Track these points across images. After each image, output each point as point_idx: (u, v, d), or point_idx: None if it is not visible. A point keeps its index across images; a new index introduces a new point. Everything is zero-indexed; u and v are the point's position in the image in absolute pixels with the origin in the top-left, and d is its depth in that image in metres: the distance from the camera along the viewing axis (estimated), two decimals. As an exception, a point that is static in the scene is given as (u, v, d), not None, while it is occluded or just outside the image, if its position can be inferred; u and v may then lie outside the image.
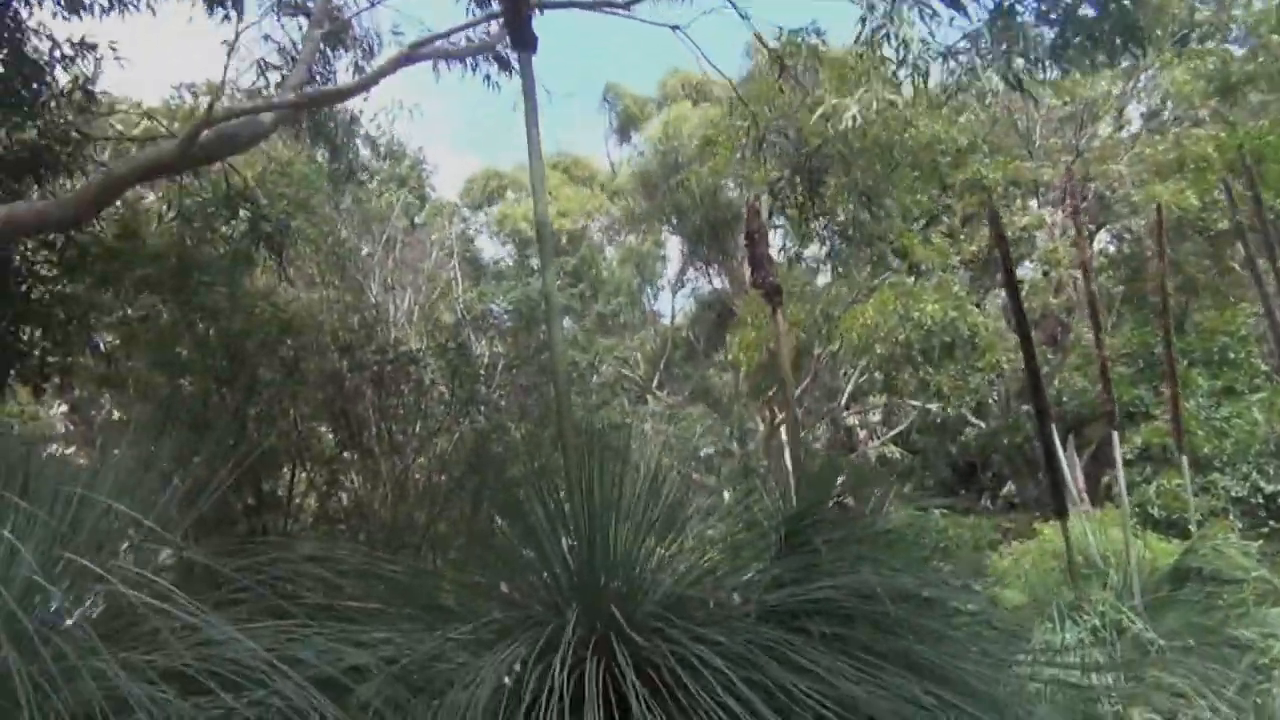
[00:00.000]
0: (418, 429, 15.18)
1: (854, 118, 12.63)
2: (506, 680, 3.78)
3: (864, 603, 3.99)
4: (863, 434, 27.23)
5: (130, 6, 10.60)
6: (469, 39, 11.81)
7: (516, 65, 12.39)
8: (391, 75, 9.83)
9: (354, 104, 13.31)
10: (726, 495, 5.61)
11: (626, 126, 31.82)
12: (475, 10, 12.05)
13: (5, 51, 9.39)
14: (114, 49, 10.62)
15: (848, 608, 4.00)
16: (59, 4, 10.26)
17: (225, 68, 8.27)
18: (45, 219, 8.17)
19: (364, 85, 9.54)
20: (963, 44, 9.53)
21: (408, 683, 3.79)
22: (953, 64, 9.64)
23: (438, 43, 10.28)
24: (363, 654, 3.65)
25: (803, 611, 4.02)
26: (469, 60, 12.67)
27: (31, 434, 15.12)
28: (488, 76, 12.88)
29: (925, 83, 9.57)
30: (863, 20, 9.31)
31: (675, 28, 11.58)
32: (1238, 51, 22.51)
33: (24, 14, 9.87)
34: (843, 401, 25.21)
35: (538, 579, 4.47)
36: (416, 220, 17.72)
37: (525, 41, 7.64)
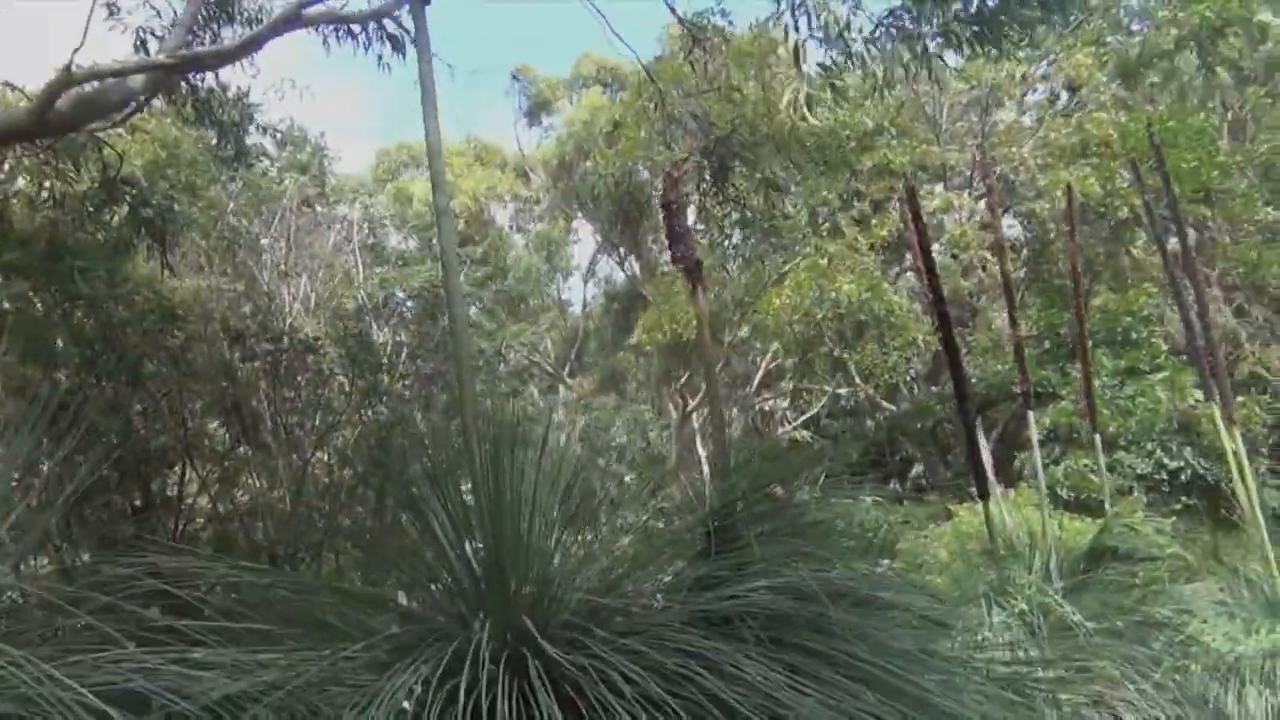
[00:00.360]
0: (316, 422, 14.56)
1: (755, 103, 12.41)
2: (406, 705, 3.37)
3: (801, 604, 3.65)
4: (774, 419, 27.26)
5: None
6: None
7: (411, 40, 12.06)
8: (278, 37, 9.16)
9: (241, 81, 12.56)
10: (629, 480, 5.25)
11: (537, 110, 31.26)
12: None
13: None
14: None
15: (784, 609, 3.67)
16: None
17: (88, 20, 7.56)
18: None
19: (246, 46, 8.89)
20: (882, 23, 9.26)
21: (292, 711, 3.35)
22: (871, 48, 9.40)
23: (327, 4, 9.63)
24: (239, 680, 3.21)
25: (735, 615, 3.67)
26: (362, 36, 12.01)
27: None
28: (380, 57, 12.20)
29: (841, 68, 9.32)
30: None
31: (588, -1, 11.14)
32: (1136, 30, 23.03)
33: None
34: (753, 388, 25.13)
35: (441, 587, 4.04)
36: (314, 202, 16.92)
37: None
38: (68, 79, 7.45)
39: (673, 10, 10.75)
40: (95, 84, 8.55)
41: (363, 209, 20.76)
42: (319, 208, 18.16)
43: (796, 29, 9.15)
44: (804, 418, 25.35)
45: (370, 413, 14.40)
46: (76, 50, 7.65)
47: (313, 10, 9.19)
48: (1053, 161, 20.79)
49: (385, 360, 14.37)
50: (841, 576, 3.91)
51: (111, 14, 11.33)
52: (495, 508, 3.85)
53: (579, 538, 4.49)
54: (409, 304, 15.42)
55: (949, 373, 9.46)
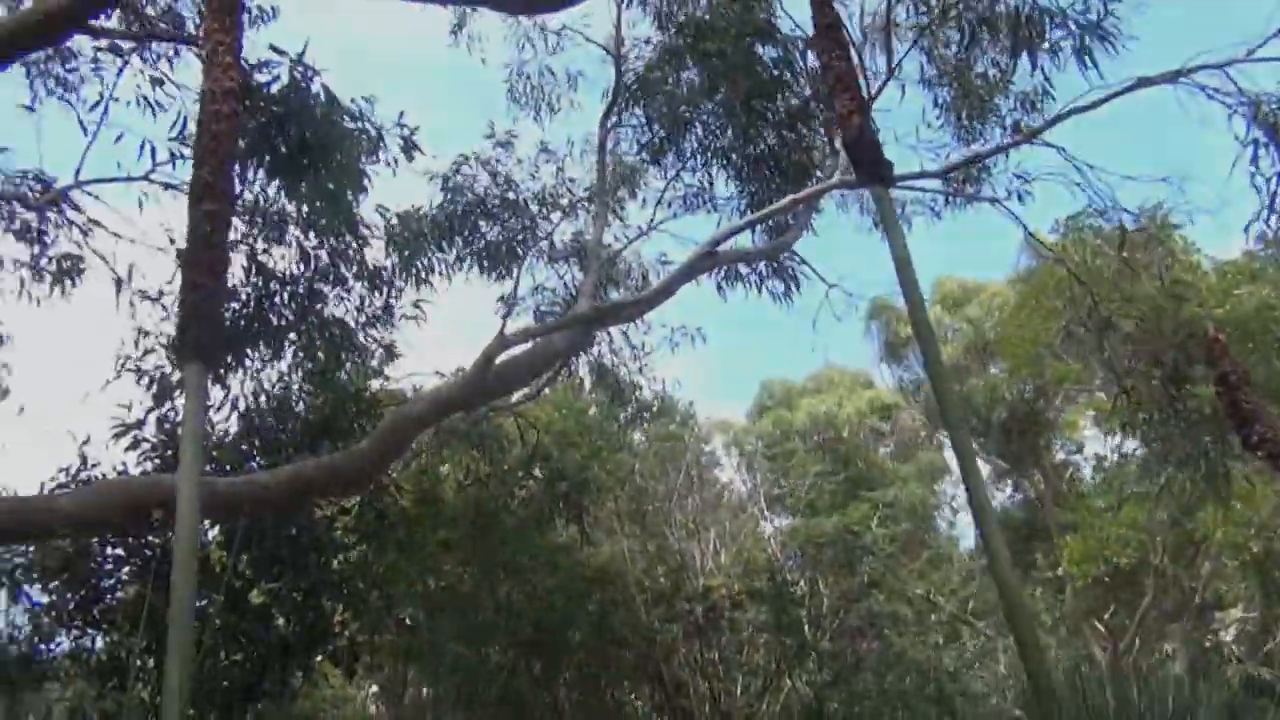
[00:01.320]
0: (739, 687, 13.42)
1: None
2: None
3: None
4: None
5: (424, 283, 10.48)
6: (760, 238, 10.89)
7: (799, 269, 11.58)
8: (686, 283, 8.90)
9: (638, 336, 12.59)
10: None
11: (897, 348, 30.25)
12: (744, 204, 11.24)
13: (305, 322, 9.34)
14: (419, 312, 10.45)
15: None
16: (362, 282, 10.16)
17: (504, 320, 7.51)
18: (336, 475, 7.67)
19: (662, 293, 8.72)
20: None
21: None
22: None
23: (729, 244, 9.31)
24: None
25: None
26: (753, 276, 11.66)
27: (343, 718, 14.51)
28: (772, 293, 11.72)
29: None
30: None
31: (995, 201, 10.19)
32: None
33: (325, 289, 9.83)
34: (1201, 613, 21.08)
35: None
36: (706, 450, 16.60)
37: (878, 172, 6.45)
38: (502, 342, 7.41)
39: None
40: (518, 351, 8.57)
41: (741, 454, 20.10)
42: (705, 451, 17.79)
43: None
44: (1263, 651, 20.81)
45: (800, 675, 13.06)
46: (506, 317, 7.74)
47: (723, 249, 8.87)
48: None
49: (806, 613, 13.09)
50: None
51: (505, 303, 11.77)
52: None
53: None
54: (823, 550, 14.18)
55: None
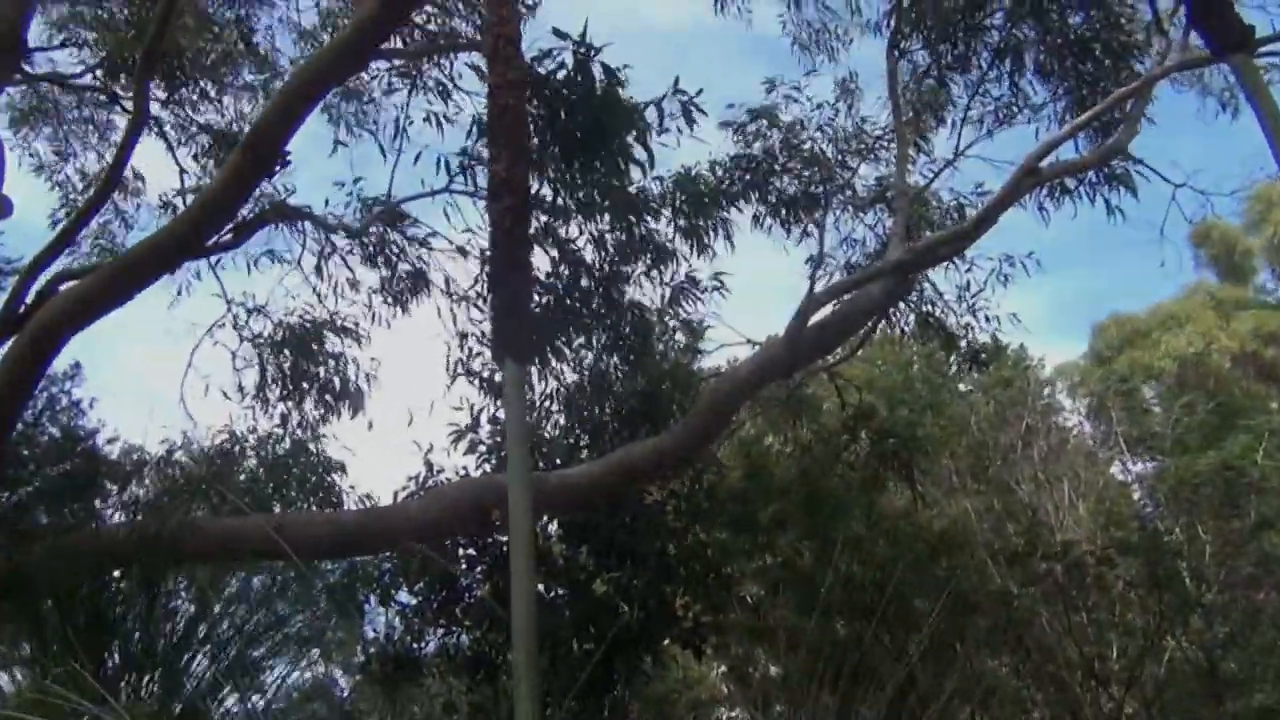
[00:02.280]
0: (1114, 650, 12.22)
1: None
2: None
3: None
4: None
5: (709, 250, 10.37)
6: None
7: (1133, 175, 10.28)
8: (1006, 210, 8.08)
9: (959, 276, 11.67)
10: None
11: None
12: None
13: (611, 306, 9.57)
14: (720, 284, 10.34)
15: None
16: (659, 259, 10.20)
17: (812, 278, 7.12)
18: (661, 457, 7.70)
19: (981, 223, 7.96)
20: None
21: None
22: None
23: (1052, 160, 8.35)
24: None
25: None
26: (1081, 189, 10.49)
27: (696, 699, 14.71)
28: (1108, 204, 10.47)
29: None
30: None
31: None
32: None
33: (626, 270, 9.94)
34: None
35: None
36: (1046, 395, 15.39)
37: (1235, 38, 5.48)
38: (814, 301, 7.04)
39: None
40: (832, 309, 8.19)
41: (1089, 394, 18.42)
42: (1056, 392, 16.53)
43: None
44: None
45: (1182, 635, 11.68)
46: (814, 275, 7.37)
47: (1045, 165, 7.98)
48: None
49: (1186, 564, 11.67)
50: None
51: (812, 261, 11.43)
52: None
53: None
54: (1199, 491, 12.61)
55: None
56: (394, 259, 11.23)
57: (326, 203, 10.80)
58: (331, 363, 11.54)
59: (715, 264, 10.39)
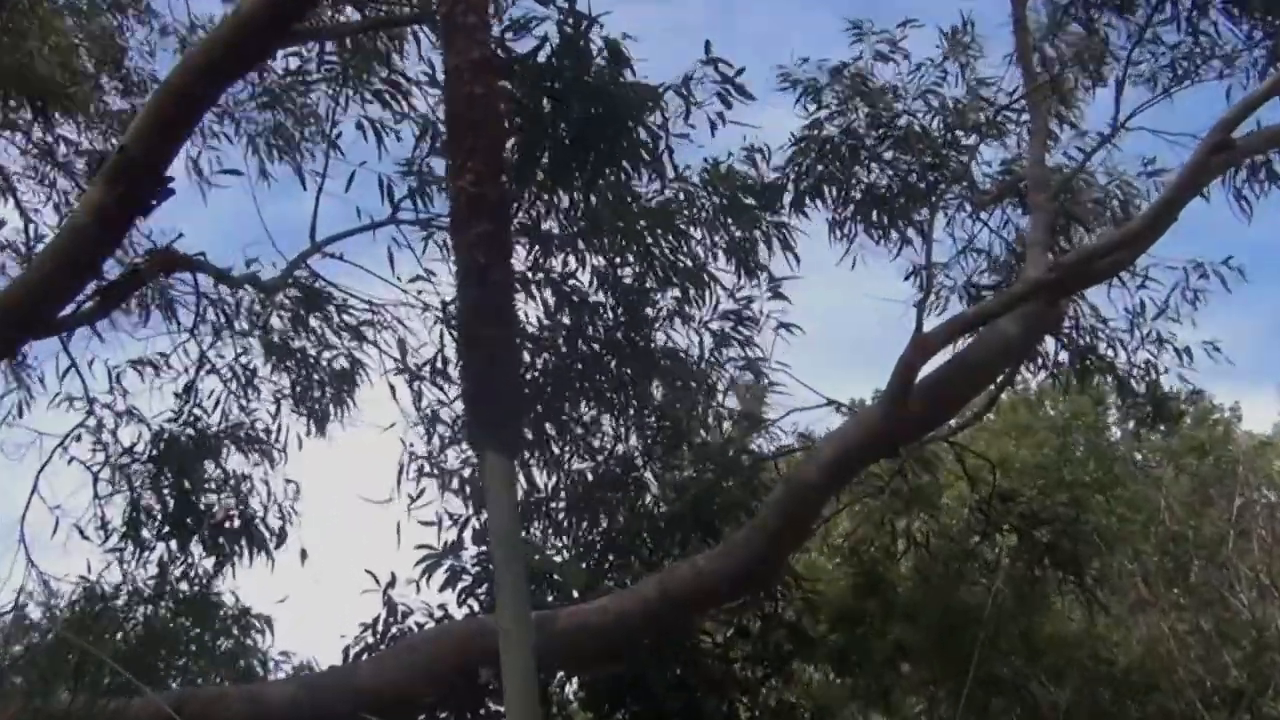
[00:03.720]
0: None
1: None
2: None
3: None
4: None
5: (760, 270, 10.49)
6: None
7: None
8: (1190, 199, 8.23)
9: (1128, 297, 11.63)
10: None
11: None
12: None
13: (622, 357, 9.73)
14: (786, 327, 10.50)
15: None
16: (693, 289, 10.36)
17: (919, 309, 7.28)
18: (720, 578, 7.68)
19: (1157, 218, 8.02)
20: None
21: None
22: None
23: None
24: None
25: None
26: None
27: None
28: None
29: None
30: None
31: None
32: None
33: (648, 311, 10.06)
34: None
35: None
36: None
37: None
38: (923, 347, 7.11)
39: None
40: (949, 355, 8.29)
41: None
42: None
43: None
44: None
45: None
46: (922, 305, 7.54)
47: (1241, 137, 8.10)
48: None
49: None
50: None
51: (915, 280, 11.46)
52: None
53: None
54: None
55: None
56: (319, 328, 11.32)
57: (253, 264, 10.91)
58: (237, 484, 11.57)
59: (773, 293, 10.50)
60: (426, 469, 10.35)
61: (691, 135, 9.35)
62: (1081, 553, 12.07)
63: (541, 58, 8.65)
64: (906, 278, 11.37)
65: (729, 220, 10.12)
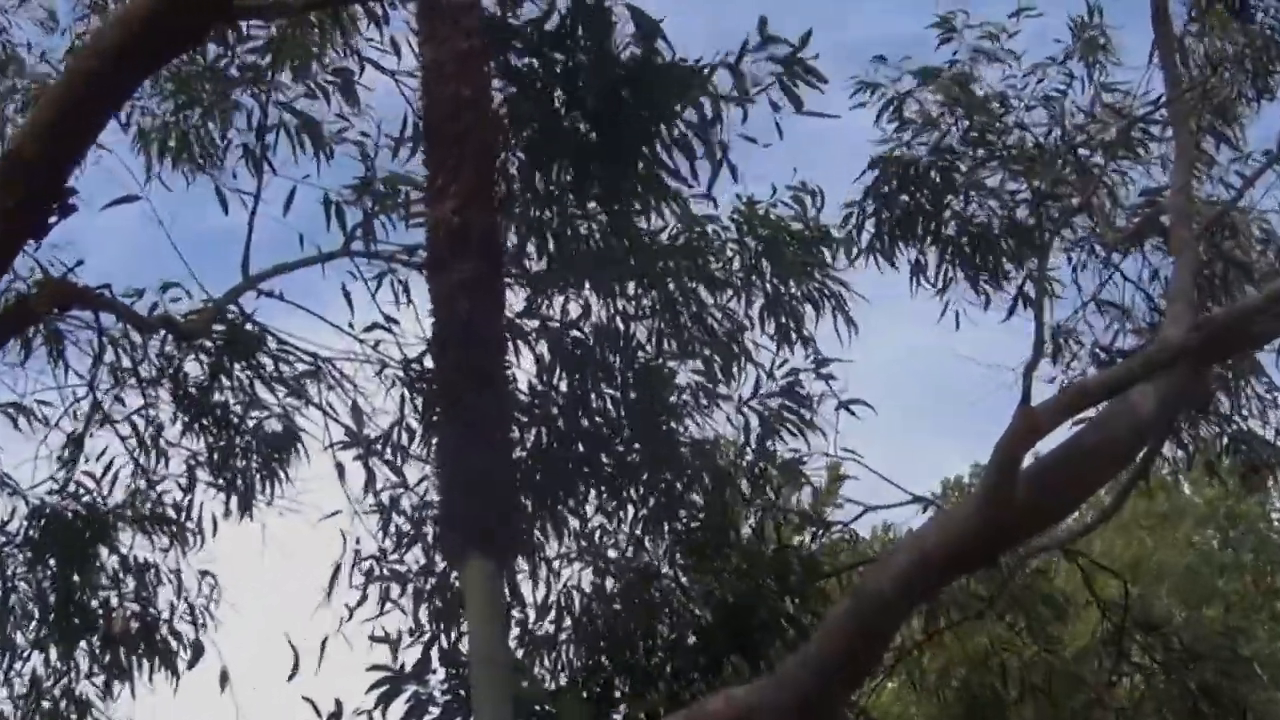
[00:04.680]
0: None
1: None
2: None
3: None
4: None
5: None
6: None
7: None
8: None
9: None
10: None
11: None
12: None
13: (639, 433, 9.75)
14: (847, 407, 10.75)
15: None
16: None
17: (1029, 372, 7.58)
18: (761, 717, 7.51)
19: None
20: None
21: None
22: None
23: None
24: None
25: None
26: None
27: None
28: None
29: None
30: None
31: None
32: None
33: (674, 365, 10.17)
34: None
35: None
36: None
37: None
38: (1031, 425, 7.08)
39: None
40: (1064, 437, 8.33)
41: None
42: None
43: None
44: None
45: None
46: (1030, 371, 7.57)
47: None
48: None
49: None
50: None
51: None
52: None
53: None
54: None
55: None
56: (246, 379, 11.34)
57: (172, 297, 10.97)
58: (139, 576, 11.49)
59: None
60: (377, 571, 10.36)
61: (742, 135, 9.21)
62: (1243, 693, 12.15)
63: (550, 28, 8.68)
64: (1006, 318, 11.56)
65: (768, 273, 10.29)
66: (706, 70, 8.93)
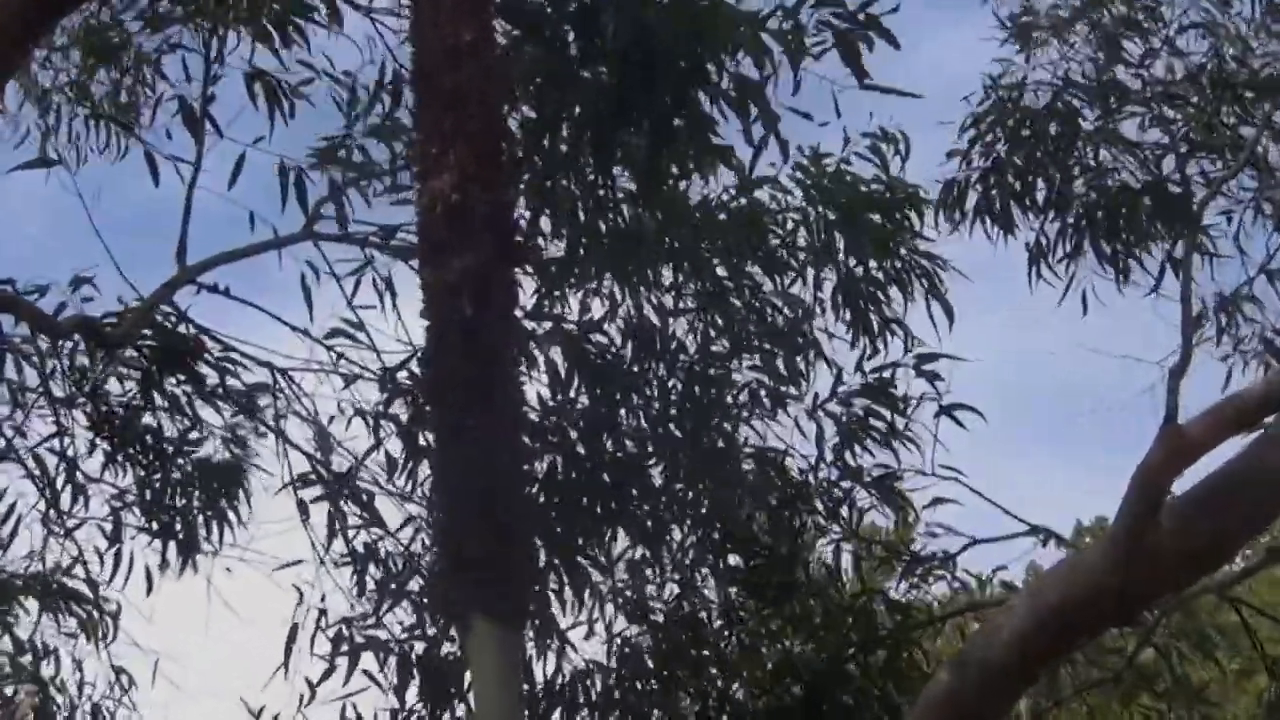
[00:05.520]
0: None
1: None
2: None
3: None
4: None
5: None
6: None
7: None
8: None
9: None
10: None
11: None
12: None
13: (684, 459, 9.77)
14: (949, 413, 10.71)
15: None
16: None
17: (1177, 377, 7.88)
18: None
19: None
20: None
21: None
22: None
23: None
24: None
25: None
26: None
27: None
28: None
29: None
30: None
31: None
32: None
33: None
34: None
35: None
36: None
37: None
38: (1180, 447, 7.08)
39: None
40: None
41: None
42: None
43: None
44: None
45: None
46: (1178, 378, 7.59)
47: None
48: None
49: None
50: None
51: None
52: None
53: None
54: None
55: None
56: (182, 396, 11.33)
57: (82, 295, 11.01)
58: (34, 668, 11.53)
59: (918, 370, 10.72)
60: (348, 635, 10.24)
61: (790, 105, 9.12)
62: None
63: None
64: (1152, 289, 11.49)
65: (841, 247, 10.33)
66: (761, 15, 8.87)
